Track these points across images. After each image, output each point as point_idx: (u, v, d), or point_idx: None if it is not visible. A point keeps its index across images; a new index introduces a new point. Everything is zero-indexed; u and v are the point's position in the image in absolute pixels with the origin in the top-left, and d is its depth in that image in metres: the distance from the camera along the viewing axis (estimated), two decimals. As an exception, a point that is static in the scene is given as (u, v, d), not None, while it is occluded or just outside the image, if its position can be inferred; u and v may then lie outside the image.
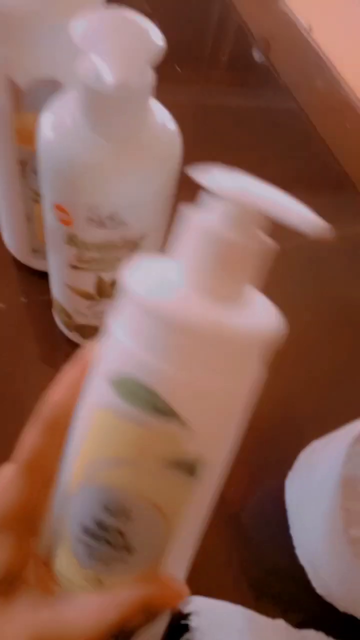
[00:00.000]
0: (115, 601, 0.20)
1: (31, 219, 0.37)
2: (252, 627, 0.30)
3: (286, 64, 0.60)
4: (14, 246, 0.41)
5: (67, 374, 0.22)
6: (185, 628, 0.30)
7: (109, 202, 0.27)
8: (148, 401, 0.18)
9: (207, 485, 0.21)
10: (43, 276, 0.40)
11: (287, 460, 0.37)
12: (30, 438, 0.22)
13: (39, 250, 0.39)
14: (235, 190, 0.17)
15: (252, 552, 0.35)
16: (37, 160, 0.28)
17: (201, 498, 0.21)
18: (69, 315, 0.36)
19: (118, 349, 0.19)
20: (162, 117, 0.27)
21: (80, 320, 0.36)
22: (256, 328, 0.19)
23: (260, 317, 0.19)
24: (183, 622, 0.30)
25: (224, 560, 0.34)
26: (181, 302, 0.18)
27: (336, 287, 0.46)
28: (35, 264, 0.41)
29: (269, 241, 0.18)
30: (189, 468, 0.19)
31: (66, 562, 0.21)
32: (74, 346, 0.39)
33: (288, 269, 0.45)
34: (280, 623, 0.32)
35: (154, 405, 0.18)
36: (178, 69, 0.56)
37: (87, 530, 0.20)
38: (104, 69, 0.22)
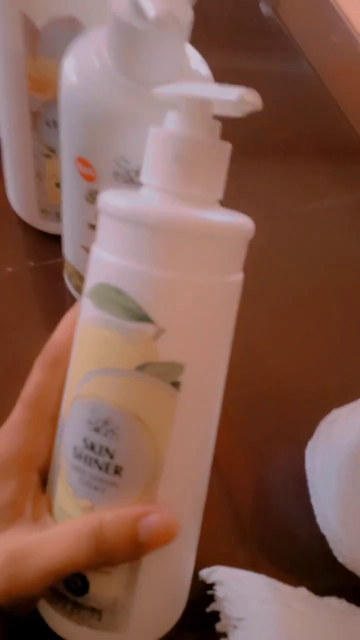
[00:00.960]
0: (99, 517, 0.20)
1: (42, 177, 0.35)
2: (276, 596, 0.30)
3: (296, 18, 0.58)
4: (20, 207, 0.39)
5: (67, 316, 0.23)
6: (211, 598, 0.29)
7: (139, 153, 0.25)
8: (118, 304, 0.19)
9: (194, 400, 0.20)
10: (51, 239, 0.38)
11: (307, 429, 0.37)
12: (32, 377, 0.23)
13: (48, 211, 0.37)
14: (175, 90, 0.20)
15: (271, 522, 0.35)
16: (59, 109, 0.26)
17: (190, 415, 0.20)
18: (82, 279, 0.35)
19: (95, 263, 0.20)
20: (196, 60, 0.25)
21: (95, 284, 0.34)
22: (227, 223, 0.19)
23: (232, 217, 0.20)
24: (209, 592, 0.29)
25: (242, 530, 0.34)
26: (144, 203, 0.19)
27: (350, 251, 0.45)
28: (44, 225, 0.39)
29: (226, 145, 0.20)
30: (166, 374, 0.19)
31: (64, 494, 0.21)
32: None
33: (301, 233, 0.44)
34: (302, 591, 0.31)
35: (124, 306, 0.19)
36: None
37: (78, 454, 0.20)
38: (145, 1, 0.20)
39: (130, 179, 0.26)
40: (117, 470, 0.20)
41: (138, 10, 0.21)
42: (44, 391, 0.22)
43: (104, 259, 0.19)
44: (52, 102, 0.30)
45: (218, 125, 0.20)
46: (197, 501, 0.23)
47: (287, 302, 0.41)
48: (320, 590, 0.32)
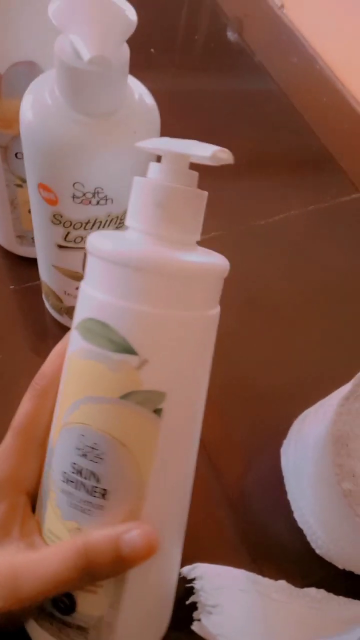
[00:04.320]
0: (84, 537, 0.22)
1: (15, 205, 0.39)
2: (255, 587, 0.32)
3: (260, 42, 0.62)
4: (-2, 234, 0.42)
5: (56, 348, 0.25)
6: (191, 591, 0.31)
7: (93, 177, 0.28)
8: (103, 336, 0.21)
9: (176, 426, 0.22)
10: (30, 263, 0.42)
11: (282, 430, 0.39)
12: (23, 406, 0.25)
13: (24, 237, 0.41)
14: (158, 145, 0.22)
15: (250, 520, 0.37)
16: (22, 142, 0.30)
17: (172, 440, 0.22)
18: (58, 298, 0.38)
19: (83, 300, 0.22)
20: (139, 92, 0.29)
21: (71, 302, 0.38)
22: (204, 263, 0.22)
23: (208, 257, 0.22)
24: (187, 585, 0.31)
25: (222, 529, 0.36)
26: (127, 246, 0.22)
27: (319, 257, 0.48)
28: (21, 250, 0.42)
29: (203, 194, 0.23)
30: (149, 402, 0.21)
31: (52, 517, 0.23)
32: (65, 331, 0.41)
33: (270, 241, 0.47)
34: (282, 583, 0.34)
35: (109, 339, 0.21)
36: (152, 50, 0.58)
37: (66, 478, 0.22)
38: (80, 44, 0.24)
39: (87, 200, 0.29)
40: (103, 494, 0.22)
41: (76, 52, 0.24)
42: (34, 419, 0.24)
43: (91, 296, 0.22)
44: (19, 137, 0.34)
45: (196, 175, 0.23)
46: (180, 519, 0.25)
47: (258, 306, 0.44)
48: (300, 582, 0.34)
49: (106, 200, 0.30)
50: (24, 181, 0.37)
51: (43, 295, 0.41)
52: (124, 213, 0.31)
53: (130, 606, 0.23)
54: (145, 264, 0.21)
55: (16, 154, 0.35)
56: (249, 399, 0.41)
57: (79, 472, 0.22)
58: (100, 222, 0.31)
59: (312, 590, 0.34)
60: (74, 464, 0.22)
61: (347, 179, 0.52)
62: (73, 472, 0.22)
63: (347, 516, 0.31)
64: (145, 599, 0.24)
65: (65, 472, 0.22)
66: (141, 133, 0.29)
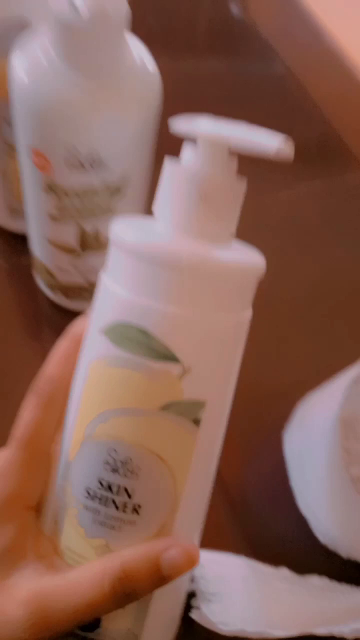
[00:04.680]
0: (119, 559, 0.20)
1: (7, 176, 0.37)
2: (256, 575, 0.31)
3: (265, 16, 0.60)
4: (-11, 208, 0.41)
5: (60, 348, 0.23)
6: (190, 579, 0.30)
7: (88, 141, 0.27)
8: (142, 343, 0.19)
9: (210, 435, 0.21)
10: (22, 239, 0.40)
11: (285, 415, 0.38)
12: (27, 415, 0.22)
13: (16, 210, 0.39)
14: (206, 128, 0.19)
15: (252, 508, 0.36)
16: (11, 106, 0.28)
17: (206, 449, 0.21)
18: (51, 275, 0.37)
19: (109, 298, 0.20)
20: (140, 54, 0.27)
21: (64, 278, 0.36)
22: (244, 263, 0.20)
23: (246, 255, 0.20)
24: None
25: (224, 517, 0.35)
26: (169, 242, 0.19)
27: (323, 245, 0.47)
28: (13, 225, 0.41)
29: (243, 182, 0.20)
30: (189, 412, 0.20)
31: (73, 534, 0.21)
32: (57, 309, 0.40)
33: (273, 219, 0.46)
34: (284, 571, 0.33)
35: (149, 346, 0.19)
36: (151, 25, 0.56)
37: (92, 495, 0.20)
38: (78, 0, 0.22)
39: (81, 165, 0.28)
40: (136, 509, 0.20)
41: (73, 8, 0.23)
42: (39, 430, 0.22)
43: (120, 296, 0.19)
44: (9, 102, 0.32)
45: (236, 161, 0.20)
46: (202, 522, 0.23)
47: (262, 293, 0.42)
48: (303, 571, 0.33)
49: (101, 166, 0.28)
50: (16, 150, 0.35)
51: (35, 272, 0.39)
52: (121, 183, 0.30)
53: (155, 615, 0.22)
54: (189, 264, 0.19)
55: (6, 121, 0.34)
56: (251, 387, 0.39)
57: (108, 489, 0.20)
58: (96, 191, 0.29)
59: (315, 579, 0.33)
60: (102, 479, 0.20)
61: (352, 157, 0.51)
62: (100, 489, 0.20)
63: (353, 502, 0.29)
64: (169, 607, 0.23)
65: (89, 489, 0.20)
66: (141, 97, 0.27)
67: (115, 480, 0.20)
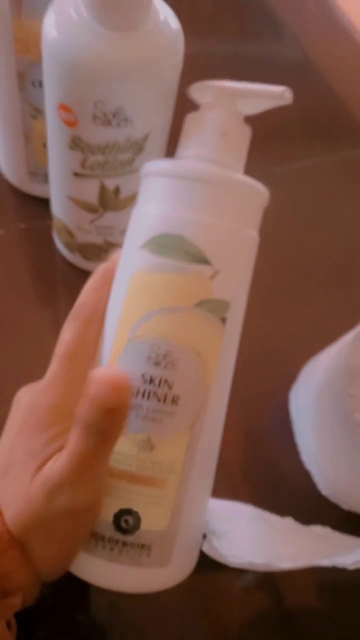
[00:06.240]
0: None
1: (29, 138, 0.39)
2: (262, 518, 0.33)
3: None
4: (10, 170, 0.42)
5: (91, 281, 0.26)
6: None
7: (115, 95, 0.29)
8: (179, 249, 0.22)
9: (232, 335, 0.24)
10: (42, 202, 0.42)
11: (291, 377, 0.40)
12: (67, 333, 0.25)
13: (36, 173, 0.41)
14: (216, 85, 0.24)
15: (257, 463, 0.38)
16: (42, 62, 0.30)
17: (229, 348, 0.24)
18: (71, 234, 0.38)
19: (145, 219, 0.24)
20: (165, 13, 0.29)
21: (83, 237, 0.38)
22: (255, 184, 0.24)
23: (255, 182, 0.24)
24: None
25: (228, 471, 0.37)
26: (197, 164, 0.24)
27: (326, 212, 0.49)
28: (32, 188, 0.42)
29: (249, 128, 0.25)
30: (218, 310, 0.23)
31: None
32: (74, 270, 0.41)
33: (284, 192, 0.47)
34: (288, 520, 0.34)
35: (185, 251, 0.22)
36: None
37: (135, 390, 0.23)
38: None
39: (107, 121, 0.29)
40: (175, 400, 0.23)
41: None
42: (79, 347, 0.24)
43: (157, 213, 0.23)
44: (37, 63, 0.34)
45: (242, 114, 0.25)
46: (222, 424, 0.26)
47: (269, 258, 0.44)
48: (306, 522, 0.35)
49: (126, 122, 0.30)
50: (40, 112, 0.37)
51: (54, 233, 0.41)
52: (144, 138, 0.32)
53: (187, 517, 0.24)
54: (217, 178, 0.23)
55: (32, 82, 0.35)
56: (257, 346, 0.41)
57: (151, 381, 0.23)
58: (119, 147, 0.31)
59: (318, 528, 0.34)
60: (145, 374, 0.23)
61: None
62: (144, 383, 0.23)
63: (356, 448, 0.31)
64: (198, 511, 0.25)
65: (134, 386, 0.23)
66: (167, 53, 0.29)
67: (157, 372, 0.23)
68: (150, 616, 0.31)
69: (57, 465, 0.22)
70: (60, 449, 0.23)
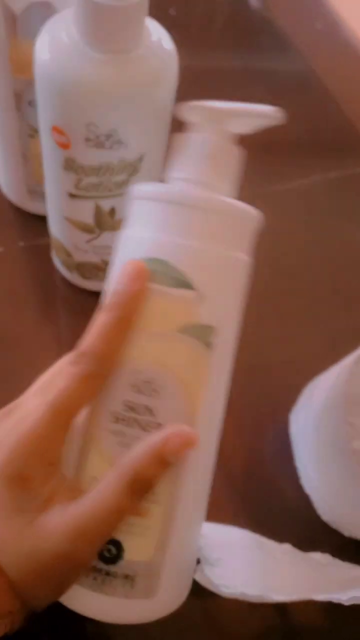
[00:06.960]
0: (129, 463, 0.22)
1: (27, 157, 0.39)
2: (258, 546, 0.32)
3: (283, 8, 0.62)
4: (9, 188, 0.43)
5: (104, 319, 0.23)
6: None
7: (107, 118, 0.28)
8: (162, 273, 0.22)
9: (220, 361, 0.23)
10: (40, 220, 0.42)
11: (291, 398, 0.39)
12: (67, 383, 0.23)
13: (35, 192, 0.41)
14: (205, 105, 0.24)
15: (256, 485, 0.37)
16: (35, 84, 0.30)
17: (216, 374, 0.23)
18: (68, 253, 0.38)
19: (131, 243, 0.24)
20: (158, 34, 0.29)
21: (80, 257, 0.38)
22: (244, 208, 0.24)
23: (245, 205, 0.24)
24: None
25: (228, 494, 0.36)
26: (184, 187, 0.24)
27: (335, 227, 0.48)
28: (32, 206, 0.42)
29: (241, 150, 0.24)
30: (202, 335, 0.23)
31: (98, 461, 0.23)
32: (72, 289, 0.41)
33: (287, 208, 0.47)
34: (286, 546, 0.34)
35: (169, 275, 0.22)
36: (173, 12, 0.57)
37: (117, 417, 0.22)
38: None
39: (100, 143, 0.29)
40: (157, 428, 0.22)
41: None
42: (77, 403, 0.23)
43: (143, 237, 0.23)
44: (33, 83, 0.34)
45: (233, 135, 0.25)
46: (215, 451, 0.25)
47: (271, 278, 0.44)
48: (305, 549, 0.34)
49: (120, 144, 0.30)
50: (36, 131, 0.37)
51: (53, 252, 0.41)
52: (138, 160, 0.31)
53: (174, 548, 0.23)
54: (202, 203, 0.23)
55: (29, 102, 0.35)
56: (257, 368, 0.41)
57: (133, 409, 0.22)
58: (113, 168, 0.31)
59: (317, 555, 0.34)
60: (127, 401, 0.22)
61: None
62: (125, 410, 0.22)
63: (355, 477, 0.31)
64: (186, 541, 0.25)
65: (115, 412, 0.23)
66: (160, 75, 0.29)
67: (139, 400, 0.22)
68: (152, 629, 0.31)
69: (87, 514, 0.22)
70: (48, 501, 0.22)
